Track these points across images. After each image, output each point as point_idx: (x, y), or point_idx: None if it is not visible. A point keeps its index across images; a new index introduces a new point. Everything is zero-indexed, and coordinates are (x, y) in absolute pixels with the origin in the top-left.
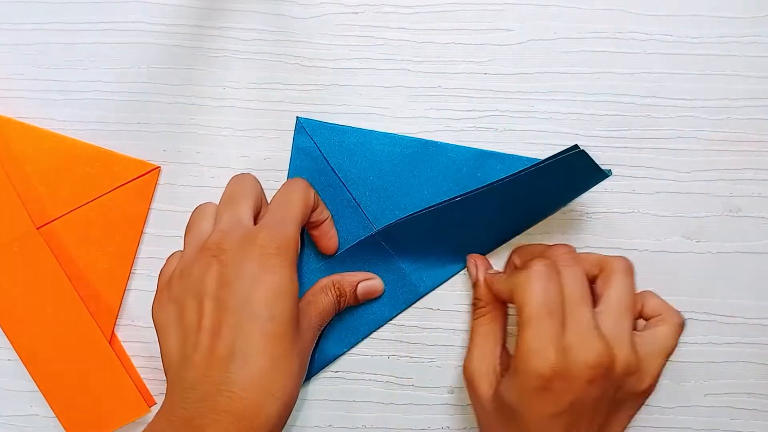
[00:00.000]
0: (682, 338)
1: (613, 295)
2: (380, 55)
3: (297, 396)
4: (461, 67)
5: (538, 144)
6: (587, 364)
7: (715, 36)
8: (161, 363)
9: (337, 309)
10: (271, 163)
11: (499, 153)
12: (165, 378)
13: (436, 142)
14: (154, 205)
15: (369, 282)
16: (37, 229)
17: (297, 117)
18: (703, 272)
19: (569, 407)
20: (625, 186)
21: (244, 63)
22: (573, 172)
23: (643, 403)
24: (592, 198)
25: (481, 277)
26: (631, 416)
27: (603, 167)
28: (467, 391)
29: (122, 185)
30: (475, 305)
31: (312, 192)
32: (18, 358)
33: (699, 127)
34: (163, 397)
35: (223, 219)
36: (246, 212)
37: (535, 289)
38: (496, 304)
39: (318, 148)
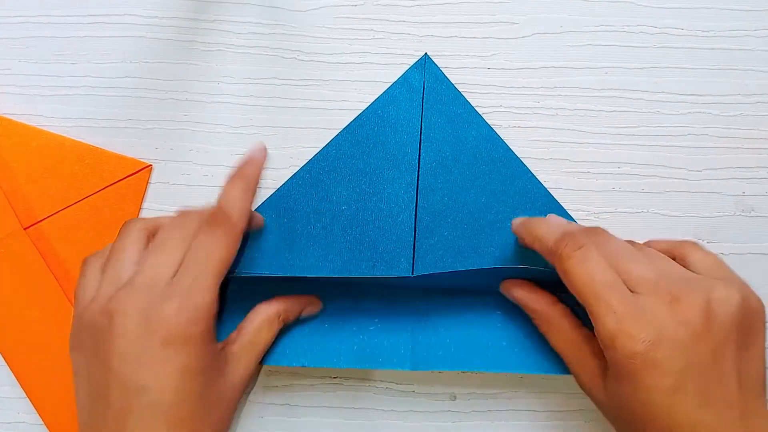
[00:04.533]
0: None
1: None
2: (380, 49)
3: None
4: (464, 62)
5: (544, 141)
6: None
7: (728, 29)
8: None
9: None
10: (267, 161)
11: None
12: None
13: (533, 178)
14: (145, 204)
15: (312, 308)
16: (25, 229)
17: (425, 53)
18: None
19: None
20: (634, 185)
21: (239, 57)
22: None
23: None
24: (599, 197)
25: (518, 293)
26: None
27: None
28: None
29: (112, 184)
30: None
31: (238, 237)
32: (4, 363)
33: (710, 124)
34: None
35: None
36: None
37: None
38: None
39: (424, 95)
